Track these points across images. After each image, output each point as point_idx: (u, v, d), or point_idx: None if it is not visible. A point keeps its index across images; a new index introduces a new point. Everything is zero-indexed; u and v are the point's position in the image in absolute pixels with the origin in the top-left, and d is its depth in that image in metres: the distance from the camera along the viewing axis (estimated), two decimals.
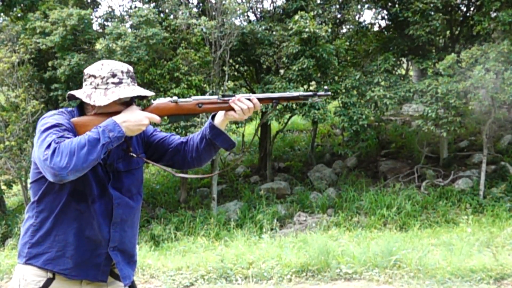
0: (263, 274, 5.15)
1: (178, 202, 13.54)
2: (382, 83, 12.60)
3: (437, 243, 7.45)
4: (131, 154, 2.19)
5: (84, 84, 2.13)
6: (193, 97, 2.23)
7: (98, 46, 11.33)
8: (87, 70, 2.13)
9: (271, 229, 9.14)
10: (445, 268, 5.04)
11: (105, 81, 2.08)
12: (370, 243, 6.76)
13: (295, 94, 2.29)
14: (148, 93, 2.14)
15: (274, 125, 15.44)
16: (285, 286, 4.94)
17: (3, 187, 13.31)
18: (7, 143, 11.89)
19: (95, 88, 2.08)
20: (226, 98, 2.22)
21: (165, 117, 2.24)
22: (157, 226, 11.24)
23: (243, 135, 15.11)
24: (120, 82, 2.09)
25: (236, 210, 12.32)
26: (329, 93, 2.33)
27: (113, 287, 2.21)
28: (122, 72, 2.11)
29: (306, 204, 12.42)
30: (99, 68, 2.10)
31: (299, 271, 5.19)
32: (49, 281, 2.07)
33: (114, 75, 2.09)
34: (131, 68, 2.17)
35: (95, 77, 2.09)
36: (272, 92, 11.86)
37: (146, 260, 5.82)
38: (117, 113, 2.07)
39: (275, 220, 10.50)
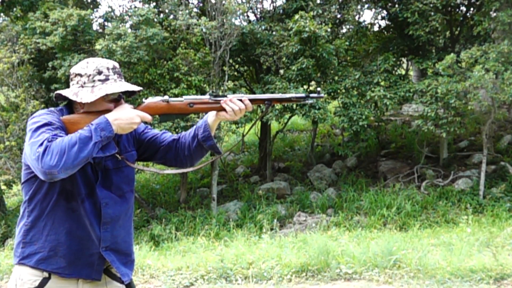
0: (263, 274, 5.15)
1: (178, 202, 13.54)
2: (382, 83, 12.59)
3: (437, 243, 7.45)
4: (117, 155, 2.17)
5: (71, 83, 2.13)
6: (184, 97, 2.24)
7: (98, 47, 11.32)
8: (73, 70, 2.13)
9: (271, 229, 9.13)
10: (445, 268, 5.04)
11: (92, 78, 2.08)
12: (370, 243, 6.75)
13: (287, 95, 2.29)
14: (136, 88, 2.14)
15: (274, 125, 15.43)
16: (285, 286, 4.94)
17: (3, 187, 13.30)
18: (7, 143, 11.87)
19: (82, 86, 2.08)
20: (217, 99, 2.22)
21: (157, 116, 2.23)
22: (157, 226, 11.24)
23: (243, 135, 15.08)
24: (106, 79, 2.09)
25: (236, 210, 12.31)
26: (322, 95, 2.33)
27: (111, 287, 2.21)
28: (107, 68, 2.11)
29: (306, 204, 12.41)
30: (85, 66, 2.10)
31: (299, 271, 5.19)
32: (45, 281, 2.07)
33: (100, 72, 2.08)
34: (116, 64, 2.16)
35: (81, 75, 2.09)
36: (272, 92, 11.87)
37: (146, 260, 5.81)
38: (107, 111, 2.07)
39: (275, 220, 10.49)
